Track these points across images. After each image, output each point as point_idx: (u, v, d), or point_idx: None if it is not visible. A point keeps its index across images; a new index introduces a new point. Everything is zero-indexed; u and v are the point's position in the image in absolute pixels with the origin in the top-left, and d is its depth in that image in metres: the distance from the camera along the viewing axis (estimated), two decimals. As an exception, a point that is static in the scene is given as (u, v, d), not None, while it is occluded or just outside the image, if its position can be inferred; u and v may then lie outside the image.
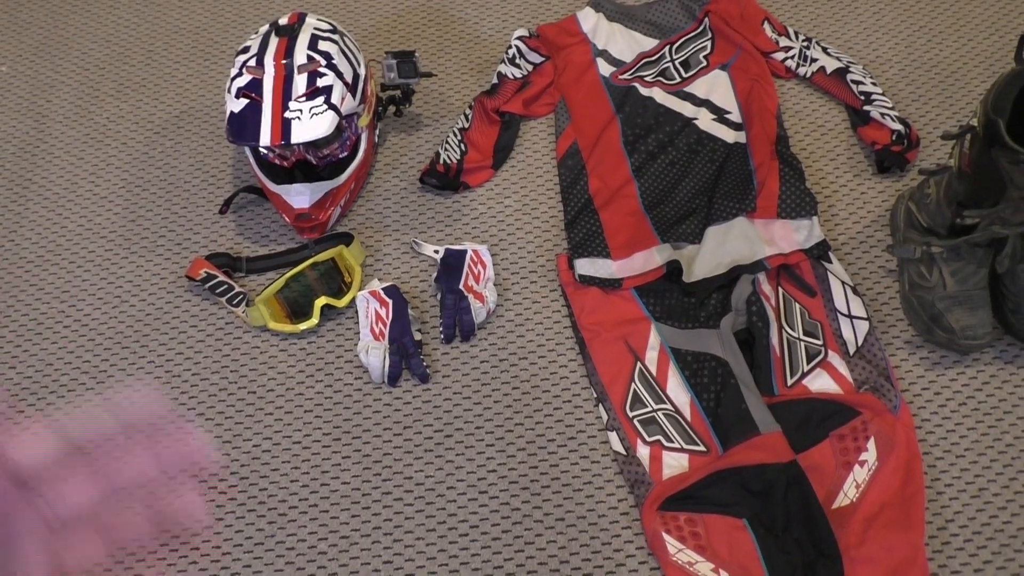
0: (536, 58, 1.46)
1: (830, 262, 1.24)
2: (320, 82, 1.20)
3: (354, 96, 1.24)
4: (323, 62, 1.22)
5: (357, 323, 1.23)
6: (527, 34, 1.46)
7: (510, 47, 1.45)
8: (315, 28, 1.26)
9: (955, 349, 1.16)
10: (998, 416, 1.14)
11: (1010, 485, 1.09)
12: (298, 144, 1.23)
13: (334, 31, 1.28)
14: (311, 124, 1.18)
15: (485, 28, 1.56)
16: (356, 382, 1.20)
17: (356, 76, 1.26)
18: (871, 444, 1.09)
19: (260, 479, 1.14)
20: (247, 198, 1.37)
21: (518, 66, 1.45)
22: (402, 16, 1.58)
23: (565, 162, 1.38)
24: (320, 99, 1.19)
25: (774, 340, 1.17)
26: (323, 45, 1.24)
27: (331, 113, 1.19)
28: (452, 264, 1.27)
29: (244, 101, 1.20)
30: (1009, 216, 1.00)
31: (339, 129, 1.27)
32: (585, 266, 1.26)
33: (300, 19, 1.28)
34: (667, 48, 1.49)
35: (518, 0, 1.59)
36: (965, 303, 1.14)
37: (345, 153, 1.30)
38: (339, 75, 1.22)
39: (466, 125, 1.42)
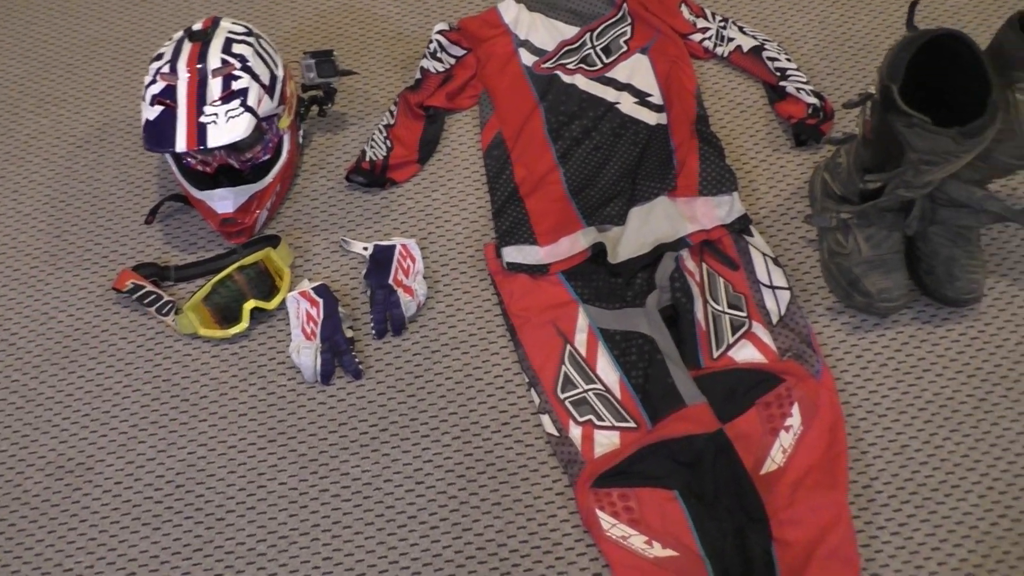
0: (457, 51, 1.47)
1: (751, 235, 1.27)
2: (235, 85, 1.20)
3: (272, 97, 1.24)
4: (238, 65, 1.21)
5: (289, 325, 1.24)
6: (447, 28, 1.47)
7: (431, 41, 1.46)
8: (229, 32, 1.26)
9: (873, 312, 1.19)
10: (917, 375, 1.17)
11: (931, 440, 1.12)
12: (216, 148, 1.23)
13: (249, 34, 1.27)
14: (227, 127, 1.18)
15: (408, 24, 1.57)
16: (289, 383, 1.21)
17: (273, 78, 1.26)
18: (795, 409, 1.12)
19: (196, 485, 1.13)
20: (173, 207, 1.37)
21: (440, 60, 1.46)
22: (324, 16, 1.58)
23: (490, 152, 1.39)
24: (236, 102, 1.19)
25: (699, 314, 1.20)
26: (237, 48, 1.23)
27: (247, 115, 1.19)
28: (381, 260, 1.28)
29: (159, 108, 1.19)
30: (911, 179, 1.03)
31: (260, 131, 1.27)
32: (512, 254, 1.27)
33: (214, 23, 1.27)
34: (588, 35, 1.50)
35: (439, -5, 1.60)
36: (880, 267, 1.17)
37: (268, 155, 1.30)
38: (255, 77, 1.22)
39: (391, 121, 1.42)
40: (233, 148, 1.26)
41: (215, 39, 1.23)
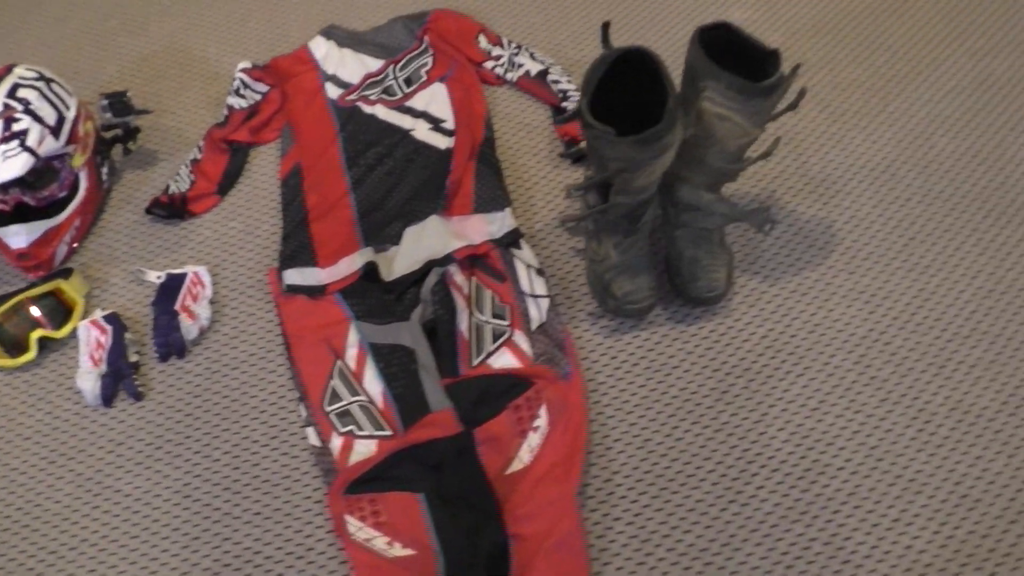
0: (261, 87, 1.55)
1: (520, 248, 1.33)
2: (15, 127, 1.27)
3: (57, 138, 1.32)
4: (19, 108, 1.29)
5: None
6: (250, 66, 1.55)
7: (234, 79, 1.54)
8: (19, 77, 1.34)
9: (624, 314, 1.25)
10: (666, 372, 1.23)
11: (672, 433, 1.18)
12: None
13: (39, 78, 1.35)
14: (4, 167, 1.25)
15: (224, 64, 1.64)
16: (75, 407, 1.26)
17: (61, 119, 1.33)
18: (543, 411, 1.18)
19: (-25, 509, 1.19)
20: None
21: (243, 96, 1.53)
22: (147, 60, 1.66)
23: (287, 182, 1.46)
24: (14, 143, 1.26)
25: (463, 325, 1.25)
26: (22, 92, 1.31)
27: (25, 155, 1.26)
28: (171, 287, 1.34)
29: (-59, 151, 1.26)
30: (622, 186, 1.10)
31: (53, 170, 1.35)
32: (293, 276, 1.33)
33: (7, 70, 1.35)
34: (391, 67, 1.58)
35: (255, 35, 1.68)
36: (626, 271, 1.24)
37: (64, 192, 1.37)
38: (37, 119, 1.29)
39: (198, 156, 1.49)
40: (26, 186, 1.33)
41: (2, 84, 1.31)
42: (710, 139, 1.09)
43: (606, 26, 1.06)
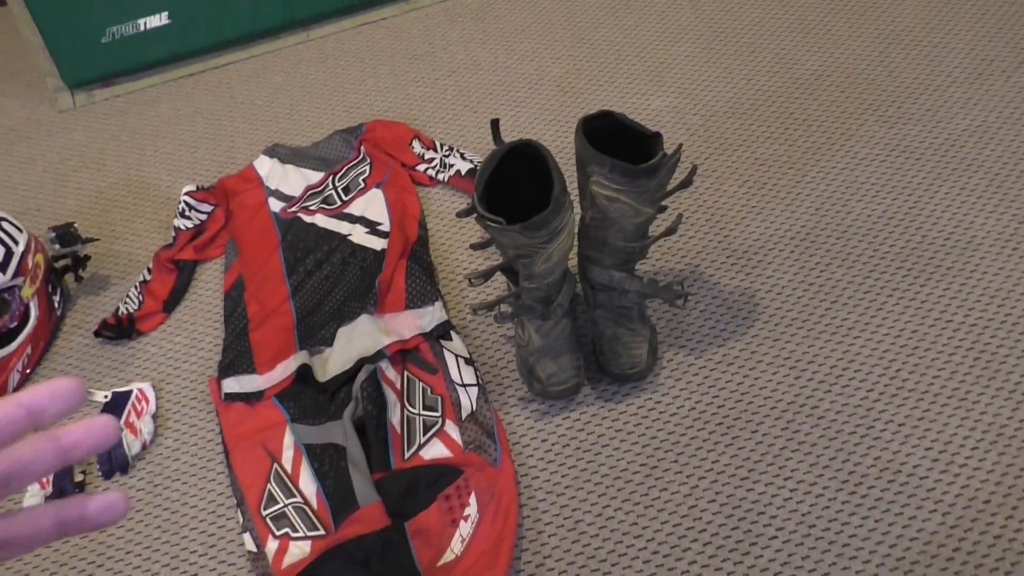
0: (206, 207, 1.62)
1: (450, 340, 1.37)
2: (-37, 264, 1.35)
3: (4, 272, 1.39)
4: (-32, 247, 1.37)
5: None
6: (195, 188, 1.63)
7: (180, 202, 1.62)
8: (-30, 218, 1.42)
9: (550, 396, 1.26)
10: (596, 451, 1.23)
11: (603, 512, 1.17)
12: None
13: (-11, 218, 1.44)
14: (-50, 303, 1.32)
15: (176, 190, 1.73)
16: (19, 531, 1.28)
17: (9, 254, 1.40)
18: (473, 499, 1.18)
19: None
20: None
21: (189, 218, 1.61)
22: (103, 192, 1.75)
23: (230, 294, 1.51)
24: (-38, 279, 1.34)
25: (395, 419, 1.27)
26: (-28, 232, 1.39)
27: (-29, 290, 1.33)
28: (116, 405, 1.37)
29: None
30: (527, 271, 1.14)
31: (3, 302, 1.41)
32: (231, 384, 1.36)
33: (-39, 213, 1.44)
34: (331, 178, 1.66)
35: (205, 160, 1.77)
36: (549, 353, 1.26)
37: (15, 323, 1.43)
38: (-15, 255, 1.37)
39: (147, 278, 1.56)
40: (-23, 320, 1.40)
41: (-46, 226, 1.39)
42: (607, 220, 1.13)
43: (495, 123, 1.12)
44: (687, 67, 1.77)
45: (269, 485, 1.26)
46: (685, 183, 1.17)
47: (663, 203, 1.21)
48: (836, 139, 1.57)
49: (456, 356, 1.34)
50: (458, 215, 1.14)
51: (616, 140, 1.17)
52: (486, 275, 1.13)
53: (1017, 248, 1.36)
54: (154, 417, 1.37)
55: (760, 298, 1.36)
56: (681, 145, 1.13)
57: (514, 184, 1.17)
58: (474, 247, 1.21)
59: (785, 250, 1.42)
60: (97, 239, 1.53)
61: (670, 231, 1.21)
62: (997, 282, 1.32)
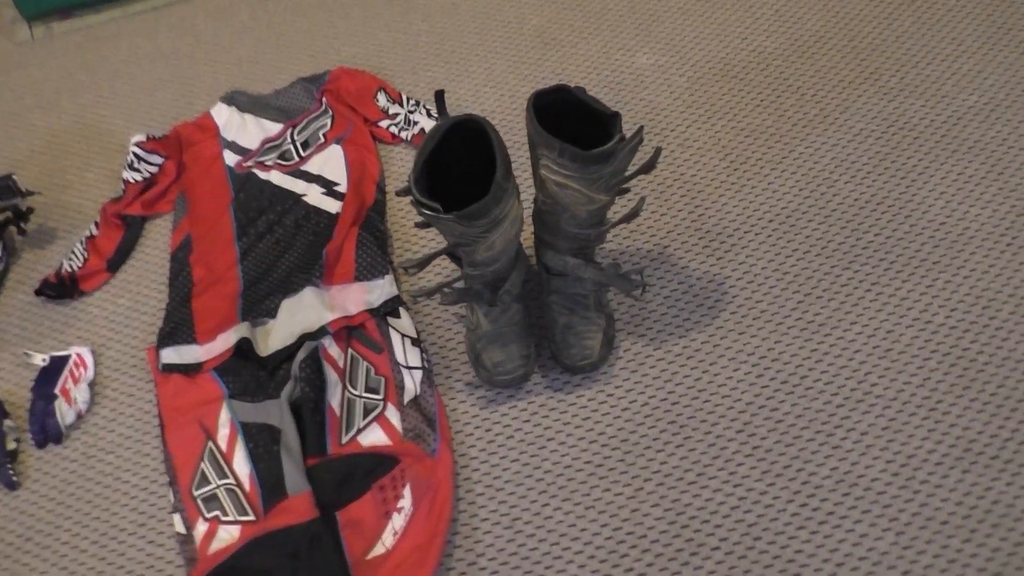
0: (156, 159, 1.54)
1: (398, 317, 1.30)
2: None
3: (-64, 225, 1.33)
4: None
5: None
6: (144, 138, 1.54)
7: (128, 153, 1.53)
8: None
9: (495, 384, 1.19)
10: (540, 445, 1.17)
11: (541, 512, 1.12)
12: None
13: (-76, 167, 1.36)
14: None
15: (130, 136, 1.64)
16: (-51, 498, 1.25)
17: (-58, 206, 1.34)
18: (407, 491, 1.13)
19: None
20: None
21: (138, 170, 1.52)
22: (56, 136, 1.67)
23: (176, 255, 1.44)
24: None
25: (334, 400, 1.22)
26: (-98, 183, 1.32)
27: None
28: (53, 370, 1.32)
29: None
30: (469, 258, 1.05)
31: (-62, 258, 1.35)
32: (170, 355, 1.31)
33: None
34: (289, 131, 1.56)
35: (163, 105, 1.68)
36: (497, 340, 1.19)
37: (-48, 278, 1.38)
38: (-86, 209, 1.31)
39: (94, 233, 1.49)
40: (-91, 275, 1.34)
41: None
42: (558, 206, 1.04)
43: (440, 95, 1.03)
44: (679, 21, 1.64)
45: (202, 464, 1.21)
46: (647, 167, 1.07)
47: (626, 186, 1.11)
48: (831, 111, 1.45)
49: (403, 336, 1.27)
50: (397, 194, 1.06)
51: (573, 117, 1.07)
52: (421, 263, 1.05)
53: (1011, 245, 1.26)
54: (91, 385, 1.32)
55: (729, 286, 1.28)
56: (642, 128, 1.03)
57: (459, 162, 1.07)
58: (419, 226, 1.13)
59: (762, 233, 1.32)
60: (38, 192, 1.45)
61: (631, 216, 1.12)
62: (985, 281, 1.23)
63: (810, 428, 1.13)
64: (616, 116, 1.01)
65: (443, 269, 1.35)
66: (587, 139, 1.07)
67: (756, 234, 1.32)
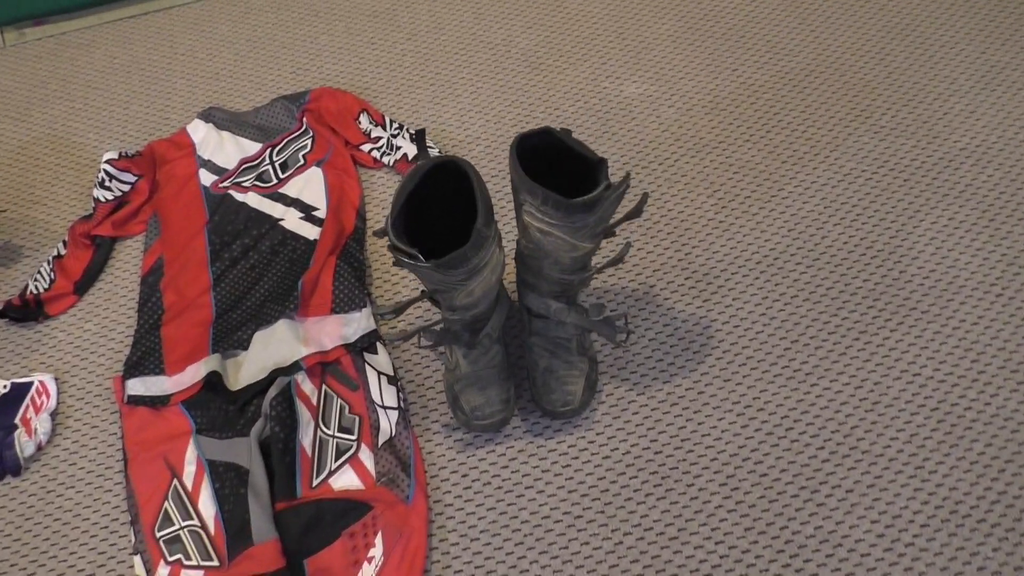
0: (129, 178, 1.48)
1: (375, 353, 1.26)
2: None
3: None
4: None
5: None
6: (116, 156, 1.49)
7: (99, 171, 1.48)
8: None
9: (473, 429, 1.16)
10: (518, 493, 1.14)
11: (517, 564, 1.08)
12: None
13: None
14: None
15: (102, 150, 1.59)
16: (-100, 532, 1.20)
17: (-100, 225, 1.29)
18: (379, 539, 1.09)
19: None
20: None
21: (109, 188, 1.47)
22: (25, 148, 1.61)
23: (146, 279, 1.39)
24: None
25: (306, 440, 1.17)
26: None
27: None
28: (14, 398, 1.27)
29: None
30: (447, 303, 1.02)
31: None
32: (136, 386, 1.26)
33: None
34: (269, 151, 1.52)
35: (137, 119, 1.62)
36: (476, 383, 1.15)
37: (-91, 299, 1.32)
38: None
39: (61, 252, 1.43)
40: None
41: None
42: (540, 251, 1.01)
43: (420, 134, 0.99)
44: (668, 49, 1.61)
45: (167, 503, 1.16)
46: (633, 214, 1.04)
47: (614, 231, 1.08)
48: (821, 149, 1.43)
49: (379, 374, 1.23)
50: (374, 234, 1.02)
51: (558, 160, 1.03)
52: (397, 310, 1.02)
53: (1001, 295, 1.24)
54: (53, 415, 1.27)
55: (715, 330, 1.25)
56: (629, 175, 0.99)
57: (441, 201, 1.04)
58: (396, 265, 1.09)
59: (749, 276, 1.30)
60: (3, 210, 1.40)
61: (615, 262, 1.09)
62: (975, 333, 1.21)
63: (794, 483, 1.11)
64: (602, 163, 0.98)
65: (423, 311, 1.31)
66: (573, 183, 1.04)
67: (744, 276, 1.29)
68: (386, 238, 1.08)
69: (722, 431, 1.16)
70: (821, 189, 1.37)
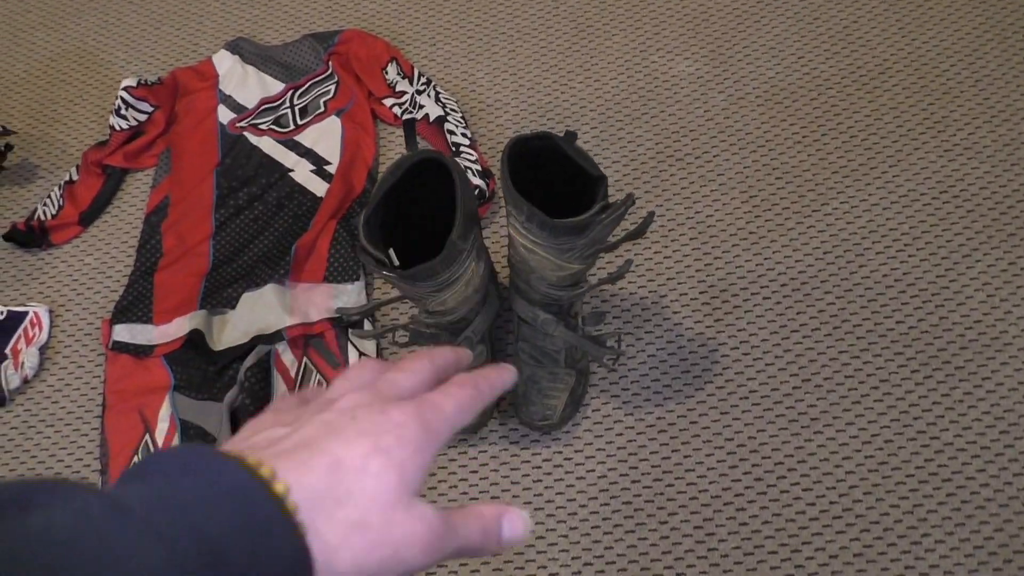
0: (145, 107, 1.43)
1: (362, 328, 1.20)
2: None
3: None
4: None
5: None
6: (134, 84, 1.44)
7: (117, 97, 1.44)
8: None
9: (446, 431, 1.11)
10: (484, 500, 1.09)
11: (458, 571, 1.05)
12: None
13: None
14: None
15: (129, 71, 1.54)
16: None
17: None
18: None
19: None
20: None
21: (125, 117, 1.42)
22: (54, 61, 1.58)
23: (150, 218, 1.36)
24: None
25: (278, 415, 1.15)
26: None
27: None
28: (7, 327, 1.28)
29: None
30: (423, 308, 0.95)
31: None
32: (122, 332, 1.24)
33: None
34: (291, 93, 1.44)
35: (166, 41, 1.57)
36: (453, 384, 1.09)
37: (-82, 213, 1.32)
38: None
39: (73, 178, 1.41)
40: None
41: None
42: (526, 266, 0.93)
43: (410, 123, 0.91)
44: (730, 25, 1.45)
45: (135, 457, 1.16)
46: (637, 233, 0.94)
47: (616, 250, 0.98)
48: (879, 162, 1.28)
49: (360, 355, 1.18)
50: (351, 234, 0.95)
51: (559, 165, 0.94)
52: (364, 312, 0.95)
53: (1050, 361, 1.11)
54: (42, 349, 1.27)
55: (721, 355, 1.15)
56: (631, 196, 0.89)
57: (426, 201, 0.95)
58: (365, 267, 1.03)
59: (771, 299, 1.19)
60: (14, 132, 1.37)
61: (615, 278, 1.00)
62: (1009, 401, 1.08)
63: (775, 539, 1.02)
64: (602, 180, 0.88)
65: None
66: (574, 194, 0.94)
67: (764, 298, 1.18)
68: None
69: (707, 468, 1.08)
70: (870, 210, 1.24)
